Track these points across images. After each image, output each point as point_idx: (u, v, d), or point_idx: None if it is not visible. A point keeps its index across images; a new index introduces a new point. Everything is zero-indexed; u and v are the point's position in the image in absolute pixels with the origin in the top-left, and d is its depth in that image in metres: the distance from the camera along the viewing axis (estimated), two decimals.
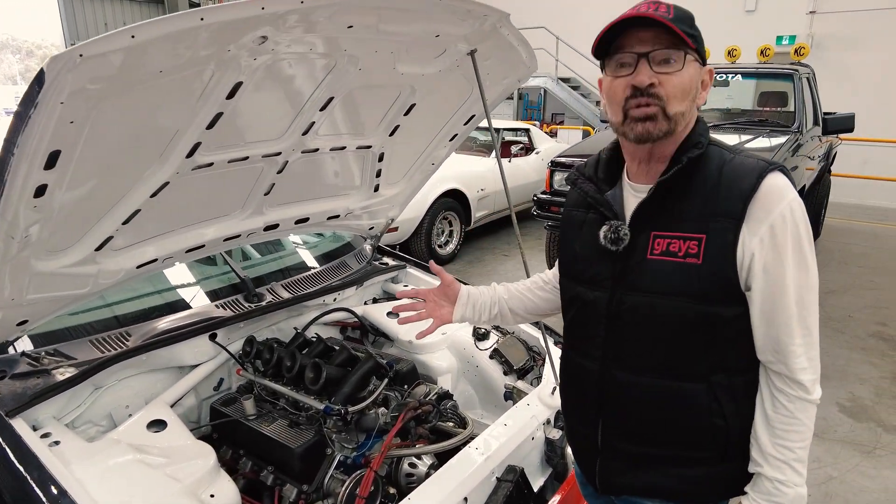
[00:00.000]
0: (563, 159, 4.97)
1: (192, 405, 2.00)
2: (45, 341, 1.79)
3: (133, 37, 1.09)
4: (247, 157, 1.79)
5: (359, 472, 1.65)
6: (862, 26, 9.87)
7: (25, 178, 1.24)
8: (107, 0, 13.59)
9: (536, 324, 2.27)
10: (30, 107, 1.10)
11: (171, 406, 1.80)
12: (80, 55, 1.06)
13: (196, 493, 1.45)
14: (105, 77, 1.16)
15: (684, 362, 1.11)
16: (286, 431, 1.78)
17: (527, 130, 7.92)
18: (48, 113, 1.13)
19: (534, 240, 6.98)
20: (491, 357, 2.24)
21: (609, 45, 1.10)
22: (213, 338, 2.02)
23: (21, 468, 1.34)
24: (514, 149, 7.52)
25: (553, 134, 10.87)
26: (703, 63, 1.12)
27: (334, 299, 2.46)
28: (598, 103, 11.88)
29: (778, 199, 1.04)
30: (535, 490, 1.75)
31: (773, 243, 1.03)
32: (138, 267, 1.85)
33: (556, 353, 2.09)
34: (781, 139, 4.90)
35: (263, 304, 2.21)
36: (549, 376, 2.02)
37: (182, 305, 2.13)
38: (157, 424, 1.66)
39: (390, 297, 2.73)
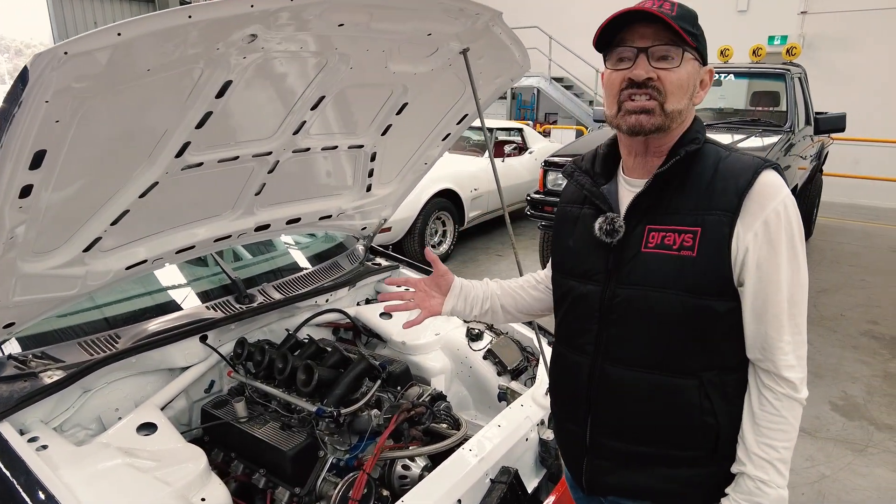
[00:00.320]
0: (556, 159, 4.97)
1: (183, 408, 1.97)
2: (32, 344, 1.77)
3: (119, 34, 1.08)
4: (237, 157, 1.77)
5: (352, 474, 1.64)
6: (853, 26, 9.93)
7: (10, 179, 1.22)
8: None
9: (530, 324, 2.26)
10: (14, 105, 1.08)
11: (162, 409, 1.78)
12: (65, 53, 1.04)
13: (187, 497, 1.43)
14: (91, 75, 1.14)
15: (676, 358, 1.11)
16: (278, 434, 1.77)
17: (520, 130, 7.93)
18: (33, 112, 1.11)
19: (527, 240, 6.98)
20: (485, 358, 2.24)
21: (611, 39, 1.10)
22: (203, 339, 2.00)
23: (8, 473, 1.32)
24: (507, 148, 7.52)
25: (546, 133, 10.87)
26: (704, 63, 1.13)
27: (326, 300, 2.45)
28: (591, 103, 11.90)
29: (773, 195, 1.05)
30: (530, 491, 1.74)
31: (768, 238, 1.04)
32: (127, 268, 1.83)
33: (549, 353, 2.09)
34: (774, 139, 4.92)
35: (255, 305, 2.19)
36: (543, 377, 2.01)
37: (172, 307, 2.11)
38: (147, 427, 1.65)
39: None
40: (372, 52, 1.66)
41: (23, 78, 1.05)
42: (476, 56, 1.82)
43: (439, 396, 2.03)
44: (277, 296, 2.30)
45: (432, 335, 2.32)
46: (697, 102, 1.14)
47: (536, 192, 5.08)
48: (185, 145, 1.55)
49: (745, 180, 1.05)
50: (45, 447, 1.47)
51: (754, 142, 4.93)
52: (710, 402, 1.11)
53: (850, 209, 9.43)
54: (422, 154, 2.38)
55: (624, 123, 1.11)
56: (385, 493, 1.68)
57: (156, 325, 1.98)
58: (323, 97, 1.75)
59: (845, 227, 8.26)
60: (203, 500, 1.45)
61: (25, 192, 1.27)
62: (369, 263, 2.74)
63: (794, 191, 5.20)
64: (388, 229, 5.29)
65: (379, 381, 1.92)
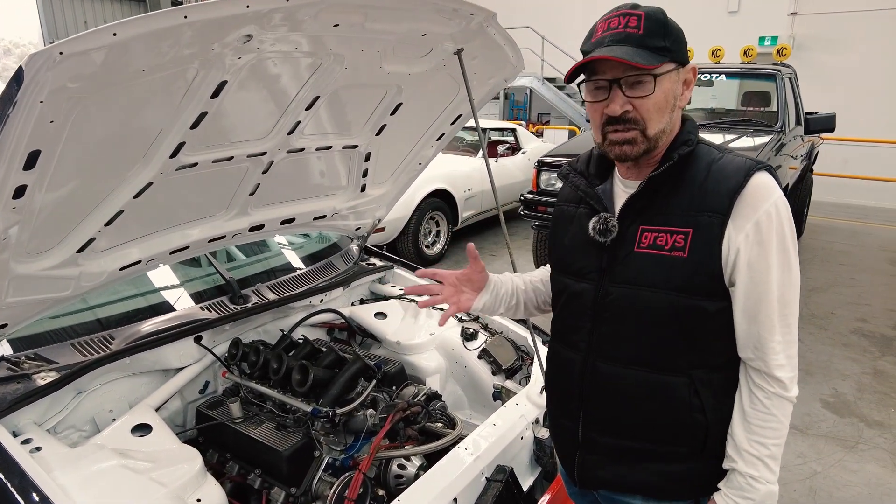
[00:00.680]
0: (549, 159, 4.99)
1: (178, 409, 1.97)
2: (25, 345, 1.76)
3: (115, 34, 1.07)
4: (231, 157, 1.77)
5: (347, 474, 1.64)
6: (842, 28, 10.02)
7: (4, 179, 1.21)
8: None
9: (525, 323, 2.27)
10: (8, 105, 1.07)
11: (156, 410, 1.78)
12: (61, 53, 1.04)
13: (182, 498, 1.43)
14: (86, 75, 1.14)
15: (666, 356, 1.13)
16: (273, 434, 1.77)
17: (513, 130, 7.95)
18: (27, 112, 1.11)
19: (521, 239, 7.00)
20: (479, 357, 2.24)
21: (584, 69, 1.11)
22: (198, 340, 2.00)
23: (2, 475, 1.31)
24: (500, 148, 7.54)
25: (539, 134, 10.90)
26: (684, 63, 1.12)
27: (321, 300, 2.45)
28: (583, 103, 11.89)
29: (764, 197, 1.06)
30: (525, 489, 1.75)
31: (759, 239, 1.05)
32: (121, 269, 1.82)
33: (544, 352, 2.10)
34: (765, 139, 4.95)
35: (249, 305, 2.19)
36: (538, 376, 2.02)
37: (166, 308, 2.11)
38: (142, 428, 1.64)
39: (377, 297, 2.72)
40: (367, 52, 1.66)
41: (17, 78, 1.04)
42: (470, 56, 1.82)
43: (434, 396, 2.03)
44: (272, 296, 2.29)
45: (427, 335, 2.32)
46: (684, 105, 1.15)
47: (530, 192, 5.10)
48: (180, 145, 1.55)
49: (737, 182, 1.06)
50: (38, 449, 1.47)
51: (746, 142, 4.97)
52: (699, 400, 1.12)
53: (840, 208, 9.52)
54: (416, 154, 2.38)
55: (611, 153, 1.14)
56: (381, 492, 1.68)
57: (150, 325, 1.98)
58: (318, 97, 1.75)
59: (835, 226, 8.33)
60: (199, 500, 1.45)
61: (19, 192, 1.27)
62: (363, 264, 2.74)
63: (785, 190, 5.23)
64: (382, 229, 5.29)
65: (374, 381, 1.92)
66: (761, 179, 1.07)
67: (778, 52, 6.55)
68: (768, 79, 5.80)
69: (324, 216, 2.42)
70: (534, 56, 11.77)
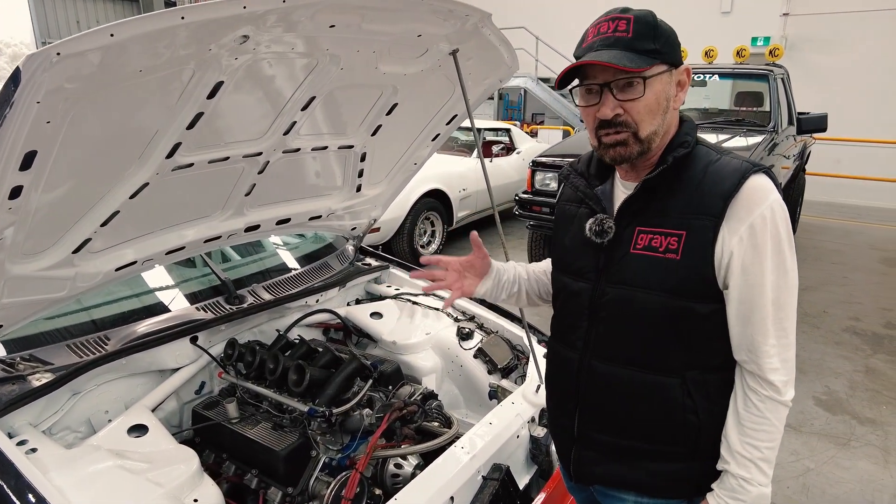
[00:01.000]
0: (544, 159, 5.01)
1: (174, 409, 1.97)
2: (20, 346, 1.76)
3: (112, 35, 1.08)
4: (227, 158, 1.77)
5: (344, 473, 1.64)
6: (834, 28, 10.08)
7: (0, 180, 1.21)
8: None
9: (520, 322, 2.28)
10: (5, 106, 1.07)
11: (153, 410, 1.77)
12: (58, 53, 1.04)
13: (179, 498, 1.43)
14: (83, 76, 1.14)
15: (660, 356, 1.13)
16: (270, 434, 1.77)
17: (508, 130, 7.96)
18: (24, 113, 1.11)
19: (516, 239, 7.01)
20: (475, 356, 2.25)
21: (575, 74, 1.12)
22: (194, 340, 1.99)
23: None
24: (495, 149, 7.55)
25: (534, 134, 10.91)
26: (677, 65, 1.12)
27: (317, 300, 2.45)
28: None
29: (760, 200, 1.05)
30: (521, 488, 1.75)
31: (753, 243, 1.05)
32: (117, 270, 1.82)
33: (539, 351, 2.11)
34: (758, 138, 4.99)
35: (245, 305, 2.19)
36: (534, 375, 2.03)
37: (162, 308, 2.10)
38: (138, 429, 1.64)
39: (373, 297, 2.72)
40: (362, 52, 1.67)
41: (14, 79, 1.04)
42: (465, 57, 1.83)
43: (430, 395, 2.04)
44: (267, 296, 2.29)
45: (423, 335, 2.33)
46: (678, 106, 1.15)
47: (525, 192, 5.11)
48: (176, 146, 1.55)
49: (732, 185, 1.06)
50: (34, 450, 1.46)
51: (738, 141, 5.00)
52: (692, 401, 1.13)
53: (832, 208, 9.58)
54: (411, 154, 2.38)
55: (606, 156, 1.15)
56: (378, 491, 1.68)
57: (145, 326, 1.97)
58: (313, 98, 1.76)
59: (827, 226, 8.39)
60: (195, 501, 1.45)
61: (15, 193, 1.27)
62: (359, 264, 2.74)
63: (777, 189, 5.27)
64: (378, 229, 5.28)
65: (370, 381, 1.92)
66: (757, 182, 1.07)
67: (770, 52, 6.60)
68: (761, 79, 5.84)
69: (319, 216, 2.42)
70: (528, 56, 11.78)
